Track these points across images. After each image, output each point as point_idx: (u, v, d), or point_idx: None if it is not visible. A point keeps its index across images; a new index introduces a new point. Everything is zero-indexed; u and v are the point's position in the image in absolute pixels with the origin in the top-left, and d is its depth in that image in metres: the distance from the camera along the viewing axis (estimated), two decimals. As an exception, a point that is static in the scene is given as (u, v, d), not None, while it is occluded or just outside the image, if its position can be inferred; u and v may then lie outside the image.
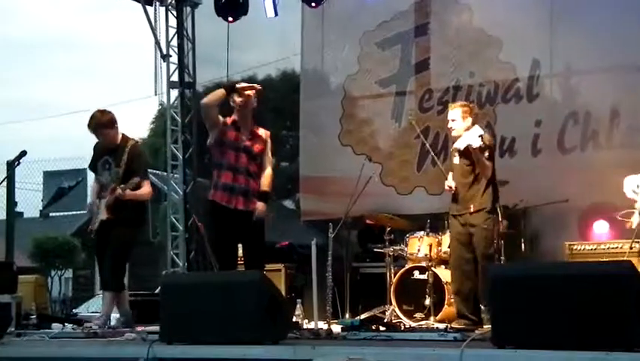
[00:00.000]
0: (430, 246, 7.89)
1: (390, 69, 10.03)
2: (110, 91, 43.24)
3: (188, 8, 10.74)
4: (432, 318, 7.49)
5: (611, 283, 4.45)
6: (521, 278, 4.75)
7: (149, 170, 7.60)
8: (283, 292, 7.61)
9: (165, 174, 10.97)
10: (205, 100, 6.56)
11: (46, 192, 18.38)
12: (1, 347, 5.89)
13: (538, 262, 7.32)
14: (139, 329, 6.68)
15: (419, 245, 7.97)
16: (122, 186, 6.78)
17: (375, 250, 8.70)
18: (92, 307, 15.78)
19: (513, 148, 9.13)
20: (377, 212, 8.98)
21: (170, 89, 10.72)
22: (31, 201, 18.85)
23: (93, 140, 7.09)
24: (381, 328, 6.65)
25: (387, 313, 7.78)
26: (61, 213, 21.03)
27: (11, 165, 8.54)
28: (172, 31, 10.68)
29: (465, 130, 6.81)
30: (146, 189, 6.97)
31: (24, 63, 50.89)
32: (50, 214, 21.81)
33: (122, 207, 6.85)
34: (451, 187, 6.86)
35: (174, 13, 10.67)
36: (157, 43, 10.55)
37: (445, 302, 7.56)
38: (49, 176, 18.26)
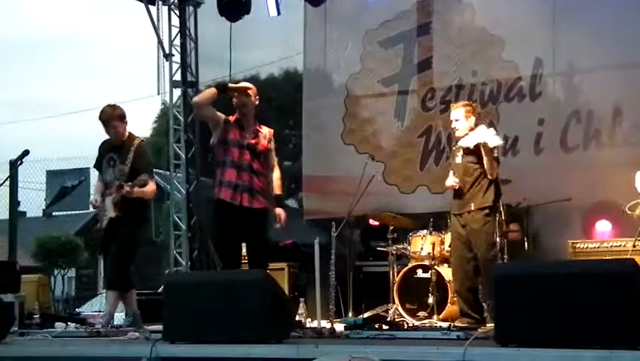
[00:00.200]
0: (433, 244, 7.89)
1: (393, 68, 10.02)
2: (113, 90, 43.19)
3: (191, 7, 10.75)
4: (435, 317, 7.50)
5: (614, 281, 4.45)
6: (524, 277, 4.75)
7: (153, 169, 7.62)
8: (286, 291, 7.61)
9: (168, 173, 10.98)
10: (195, 98, 6.69)
11: (49, 191, 18.38)
12: (4, 346, 5.90)
13: (541, 261, 7.33)
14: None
15: (422, 244, 7.97)
16: (130, 183, 6.80)
17: (378, 248, 8.71)
18: (95, 307, 15.78)
19: (516, 147, 9.12)
20: (380, 211, 9.00)
21: (173, 89, 10.73)
22: (34, 201, 18.86)
23: (95, 139, 7.13)
24: (385, 326, 6.66)
25: (390, 312, 7.78)
26: (64, 213, 21.02)
27: (14, 165, 8.57)
28: (175, 31, 10.69)
29: (470, 130, 6.80)
30: (151, 187, 7.00)
31: (26, 63, 50.91)
32: (53, 214, 21.80)
33: (128, 204, 6.87)
34: (457, 182, 6.79)
35: (177, 12, 10.68)
36: (160, 42, 10.56)
37: (448, 301, 7.57)
38: (51, 175, 18.26)
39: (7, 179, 9.40)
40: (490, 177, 6.68)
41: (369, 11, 10.07)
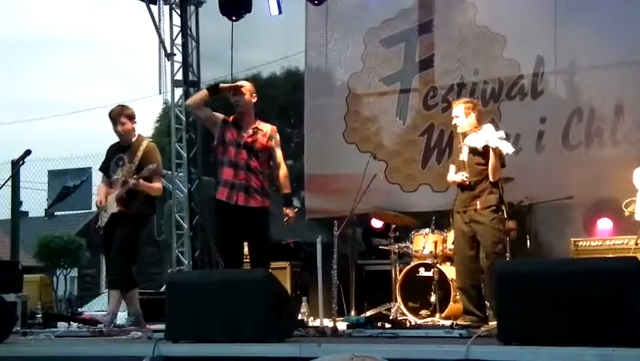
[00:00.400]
0: (435, 243, 7.89)
1: (395, 67, 10.02)
2: (114, 90, 43.30)
3: (192, 7, 10.75)
4: (437, 315, 7.49)
5: (617, 279, 4.45)
6: (527, 275, 4.75)
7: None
8: (289, 290, 7.60)
9: (170, 172, 10.98)
10: (187, 101, 6.74)
11: (51, 191, 18.38)
12: (7, 346, 5.90)
13: (544, 259, 7.32)
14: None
15: (424, 242, 7.97)
16: (136, 175, 6.81)
17: (380, 247, 8.71)
18: (98, 306, 15.79)
19: (518, 145, 9.06)
20: (382, 209, 9.00)
21: (175, 88, 10.73)
22: (36, 201, 18.85)
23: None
24: (387, 325, 6.65)
25: (392, 311, 7.77)
26: (67, 213, 21.04)
27: (16, 164, 8.58)
28: (176, 30, 10.70)
29: (474, 127, 6.77)
30: (158, 184, 7.00)
31: (27, 62, 51.06)
32: (55, 213, 21.83)
33: (132, 201, 6.88)
34: (466, 177, 6.72)
35: (178, 11, 10.69)
36: (161, 42, 10.56)
37: (451, 299, 7.56)
38: (53, 175, 18.26)
39: (9, 179, 9.40)
40: (492, 180, 6.67)
41: (370, 10, 10.08)
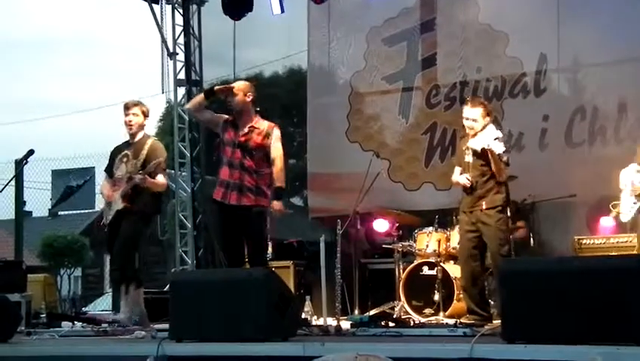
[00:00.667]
0: (439, 241, 7.88)
1: (397, 65, 10.01)
2: (117, 89, 43.30)
3: (195, 6, 10.76)
4: (441, 314, 7.48)
5: (621, 277, 4.45)
6: (531, 273, 4.75)
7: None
8: (292, 289, 7.62)
9: (173, 171, 10.99)
10: (187, 105, 6.80)
11: (55, 191, 18.38)
12: (11, 345, 5.91)
13: (547, 257, 7.31)
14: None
15: (428, 241, 7.96)
16: (141, 171, 6.82)
17: (383, 246, 8.70)
18: (102, 306, 15.81)
19: (520, 143, 9.11)
20: (385, 208, 8.99)
21: (177, 87, 10.74)
22: (39, 200, 18.86)
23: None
24: (391, 324, 6.67)
25: (396, 310, 7.78)
26: (70, 212, 21.06)
27: (19, 164, 8.59)
28: (178, 29, 10.71)
29: (482, 128, 6.77)
30: (162, 179, 7.02)
31: (30, 62, 51.06)
32: (59, 213, 21.84)
33: (137, 197, 6.89)
34: (469, 180, 6.73)
35: (180, 11, 10.69)
36: (164, 41, 10.57)
37: (455, 298, 7.56)
38: (57, 175, 18.26)
39: (12, 178, 9.41)
40: (499, 180, 6.67)
41: (372, 8, 10.07)
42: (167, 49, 10.60)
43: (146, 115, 7.12)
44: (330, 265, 7.65)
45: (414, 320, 7.30)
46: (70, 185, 17.90)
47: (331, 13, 10.28)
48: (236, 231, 6.51)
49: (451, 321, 6.83)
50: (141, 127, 7.11)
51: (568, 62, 9.14)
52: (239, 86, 6.67)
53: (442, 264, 7.72)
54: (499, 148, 6.53)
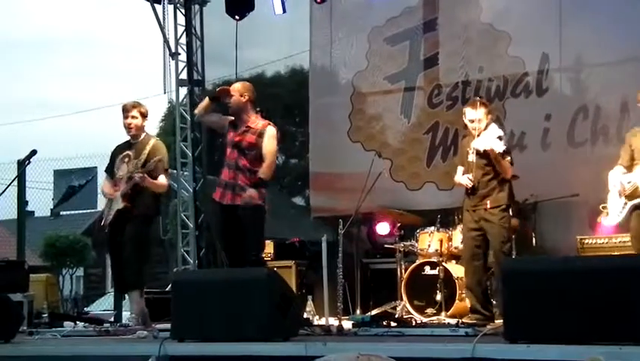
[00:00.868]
0: (441, 241, 7.87)
1: (399, 65, 10.00)
2: (119, 89, 43.33)
3: (197, 6, 10.75)
4: (443, 313, 7.48)
5: (623, 276, 4.44)
6: (533, 273, 4.74)
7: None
8: (294, 289, 7.62)
9: (175, 171, 10.99)
10: (195, 111, 6.91)
11: (57, 190, 18.39)
12: (13, 345, 5.91)
13: (550, 257, 7.30)
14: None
15: (429, 241, 7.96)
16: (142, 169, 6.83)
17: (385, 245, 8.70)
18: (104, 306, 15.82)
19: (523, 143, 9.10)
20: (387, 208, 8.99)
21: (179, 87, 10.74)
22: (41, 200, 18.87)
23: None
24: (393, 324, 6.66)
25: (398, 309, 7.77)
26: (72, 212, 21.07)
27: (22, 164, 8.57)
28: (180, 29, 10.70)
29: (484, 128, 6.76)
30: (163, 180, 7.02)
31: (32, 62, 51.08)
32: (61, 213, 21.85)
33: (139, 196, 6.90)
34: (471, 180, 6.72)
35: (182, 11, 10.69)
36: (165, 41, 10.57)
37: (457, 297, 7.56)
38: (59, 175, 18.27)
39: (15, 179, 9.40)
40: (506, 178, 6.68)
41: (374, 8, 10.06)
42: (169, 49, 10.60)
43: (144, 116, 7.12)
44: (332, 264, 7.64)
45: (416, 320, 7.30)
46: (73, 185, 17.92)
47: (333, 13, 10.28)
48: (235, 230, 6.53)
49: (453, 321, 6.82)
50: (141, 129, 7.11)
51: (570, 61, 9.13)
52: (234, 87, 6.72)
53: (444, 264, 7.72)
54: (502, 147, 6.54)
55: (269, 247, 8.85)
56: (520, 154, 8.94)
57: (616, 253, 7.23)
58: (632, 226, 6.61)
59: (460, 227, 7.54)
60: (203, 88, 10.85)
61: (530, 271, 4.80)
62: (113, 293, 12.32)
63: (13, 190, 10.61)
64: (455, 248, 7.78)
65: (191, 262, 10.46)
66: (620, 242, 7.66)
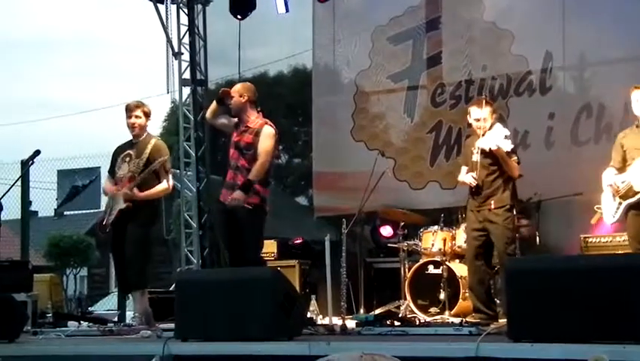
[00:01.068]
0: (444, 240, 7.87)
1: (402, 64, 10.00)
2: (122, 89, 43.38)
3: (200, 6, 10.76)
4: (447, 312, 7.47)
5: (627, 275, 4.43)
6: (537, 272, 4.74)
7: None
8: (297, 288, 7.61)
9: (178, 171, 10.99)
10: (206, 115, 7.04)
11: (61, 190, 18.41)
12: (17, 345, 5.92)
13: (553, 256, 7.30)
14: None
15: (433, 240, 7.95)
16: (140, 175, 6.84)
17: (389, 245, 8.70)
18: (108, 305, 15.83)
19: (526, 141, 9.08)
20: (391, 207, 8.99)
21: (182, 87, 10.75)
22: (45, 200, 18.88)
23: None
24: (396, 323, 6.66)
25: (401, 308, 7.76)
26: (76, 212, 21.09)
27: (25, 165, 8.60)
28: (183, 29, 10.71)
29: (489, 127, 6.75)
30: (163, 185, 7.03)
31: (33, 62, 51.14)
32: (65, 213, 21.87)
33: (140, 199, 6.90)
34: (475, 179, 6.70)
35: (185, 10, 10.70)
36: (169, 41, 10.58)
37: (460, 296, 7.55)
38: (62, 175, 18.29)
39: (18, 179, 9.42)
40: (513, 177, 6.66)
41: (377, 7, 10.06)
42: (172, 48, 10.61)
43: (147, 116, 7.15)
44: (335, 264, 7.65)
45: (419, 319, 7.30)
46: (76, 185, 17.93)
47: (336, 12, 10.28)
48: (235, 230, 6.54)
49: (457, 320, 6.83)
50: (144, 128, 7.13)
51: (573, 59, 9.12)
52: (235, 88, 6.75)
53: (447, 263, 7.71)
54: (509, 146, 6.54)
55: (272, 247, 8.85)
56: (523, 153, 8.89)
57: (620, 252, 7.21)
58: (628, 225, 6.59)
59: (463, 226, 7.53)
60: (206, 88, 10.85)
61: (534, 270, 4.79)
62: (116, 293, 12.32)
63: (17, 190, 10.61)
64: (459, 247, 7.77)
65: (195, 261, 10.46)
66: (624, 241, 7.61)
